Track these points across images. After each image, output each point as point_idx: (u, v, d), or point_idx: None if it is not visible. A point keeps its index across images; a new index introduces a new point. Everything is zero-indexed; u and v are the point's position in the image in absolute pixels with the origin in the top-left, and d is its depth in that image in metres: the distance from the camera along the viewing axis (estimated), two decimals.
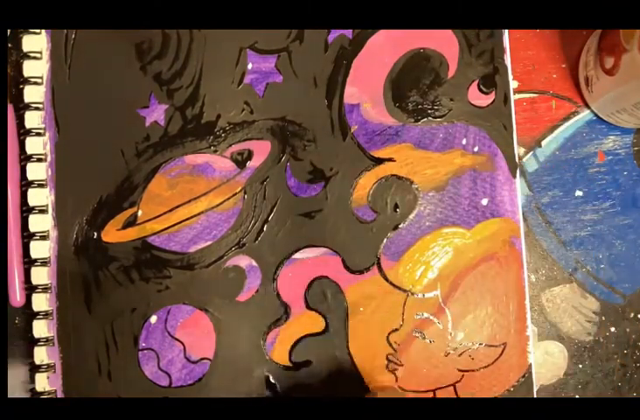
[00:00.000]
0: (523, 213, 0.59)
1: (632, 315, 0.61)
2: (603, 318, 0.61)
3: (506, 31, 0.59)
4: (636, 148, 0.62)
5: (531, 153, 0.62)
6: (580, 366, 0.61)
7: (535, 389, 0.57)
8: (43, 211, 0.56)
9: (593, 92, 0.60)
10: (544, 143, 0.62)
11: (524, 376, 0.57)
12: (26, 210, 0.56)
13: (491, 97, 0.58)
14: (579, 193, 0.61)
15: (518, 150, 0.61)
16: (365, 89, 0.58)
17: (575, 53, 0.62)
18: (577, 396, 0.60)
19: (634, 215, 0.61)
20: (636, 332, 0.61)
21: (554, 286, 0.61)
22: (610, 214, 0.61)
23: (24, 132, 0.56)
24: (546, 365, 0.60)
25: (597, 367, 0.61)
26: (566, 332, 0.61)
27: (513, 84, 0.60)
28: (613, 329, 0.61)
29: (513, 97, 0.60)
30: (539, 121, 0.62)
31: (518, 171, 0.58)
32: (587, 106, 0.62)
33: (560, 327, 0.61)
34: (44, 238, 0.56)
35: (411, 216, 0.57)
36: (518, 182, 0.58)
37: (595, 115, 0.62)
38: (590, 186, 0.61)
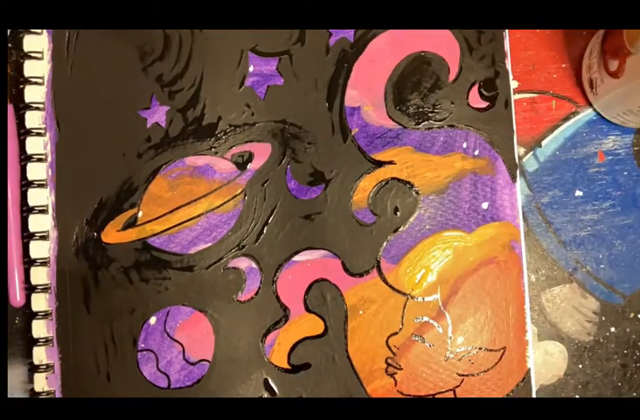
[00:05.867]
0: (523, 213, 0.60)
1: (632, 315, 0.61)
2: (603, 318, 0.61)
3: (507, 35, 0.59)
4: (636, 148, 0.62)
5: (531, 153, 0.62)
6: (580, 366, 0.61)
7: (535, 390, 0.57)
8: (43, 211, 0.56)
9: (597, 94, 0.60)
10: (544, 143, 0.62)
11: (523, 380, 0.57)
12: (26, 210, 0.56)
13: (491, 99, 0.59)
14: (579, 193, 0.61)
15: (518, 150, 0.61)
16: (366, 92, 0.58)
17: (576, 53, 0.62)
18: (577, 396, 0.60)
19: (634, 215, 0.61)
20: (636, 332, 0.61)
21: (554, 286, 0.61)
22: (610, 214, 0.61)
23: (24, 132, 0.56)
24: (546, 365, 0.61)
25: (597, 367, 0.61)
26: (567, 332, 0.61)
27: (513, 84, 0.60)
28: (613, 329, 0.61)
29: (513, 97, 0.60)
30: (539, 121, 0.62)
31: (518, 174, 0.58)
32: (593, 107, 0.62)
33: (560, 327, 0.61)
34: (44, 238, 0.56)
35: (411, 219, 0.57)
36: (519, 186, 0.58)
37: (600, 115, 0.62)
38: (590, 186, 0.61)
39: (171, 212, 0.56)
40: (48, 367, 0.55)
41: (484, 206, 0.57)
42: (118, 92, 0.57)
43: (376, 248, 0.57)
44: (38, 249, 0.56)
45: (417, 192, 0.57)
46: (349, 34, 0.58)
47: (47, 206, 0.56)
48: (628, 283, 0.61)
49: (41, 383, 0.55)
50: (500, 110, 0.58)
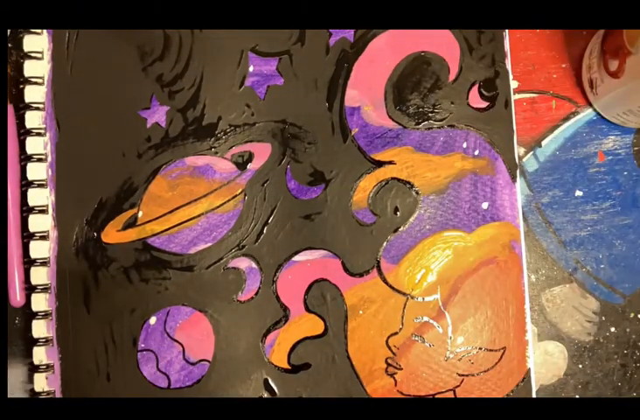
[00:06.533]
0: (523, 213, 0.60)
1: (632, 315, 0.61)
2: (603, 318, 0.61)
3: (507, 35, 0.59)
4: (636, 148, 0.62)
5: (531, 153, 0.62)
6: (580, 366, 0.61)
7: (535, 390, 0.57)
8: (43, 211, 0.56)
9: (597, 94, 0.60)
10: (544, 143, 0.62)
11: (523, 380, 0.57)
12: (26, 210, 0.56)
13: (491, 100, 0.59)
14: (579, 193, 0.61)
15: (518, 150, 0.61)
16: (366, 92, 0.58)
17: (576, 53, 0.62)
18: (577, 396, 0.60)
19: (634, 215, 0.61)
20: (636, 332, 0.61)
21: (554, 286, 0.61)
22: (610, 214, 0.61)
23: (24, 132, 0.56)
24: (546, 365, 0.61)
25: (597, 367, 0.61)
26: (567, 332, 0.61)
27: (513, 84, 0.60)
28: (613, 329, 0.61)
29: (513, 97, 0.60)
30: (539, 121, 0.62)
31: (518, 175, 0.58)
32: (593, 107, 0.62)
33: (560, 327, 0.61)
34: (44, 238, 0.56)
35: (411, 219, 0.57)
36: (519, 186, 0.58)
37: (600, 115, 0.62)
38: (590, 186, 0.61)
39: (171, 212, 0.56)
40: (48, 367, 0.55)
41: (484, 206, 0.57)
42: (118, 92, 0.57)
43: (376, 248, 0.57)
44: (38, 249, 0.56)
45: (417, 192, 0.57)
46: (349, 34, 0.58)
47: (47, 206, 0.56)
48: (628, 283, 0.61)
49: (41, 383, 0.55)
50: (500, 110, 0.58)
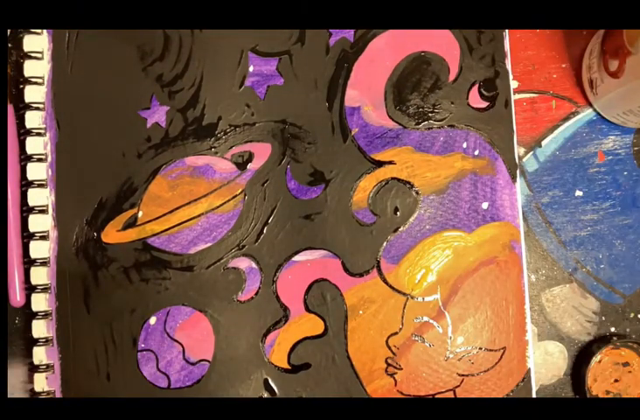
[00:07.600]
0: (523, 213, 0.59)
1: (632, 315, 0.61)
2: (603, 318, 0.61)
3: (507, 35, 0.59)
4: (636, 148, 0.62)
5: (531, 153, 0.62)
6: None
7: (535, 390, 0.57)
8: (43, 211, 0.56)
9: (597, 94, 0.60)
10: (544, 143, 0.62)
11: (523, 380, 0.57)
12: (26, 210, 0.56)
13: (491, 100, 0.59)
14: (579, 193, 0.61)
15: (518, 150, 0.61)
16: (366, 92, 0.58)
17: (576, 53, 0.62)
18: (577, 396, 0.60)
19: (634, 215, 0.61)
20: (636, 332, 0.61)
21: (554, 286, 0.61)
22: (610, 214, 0.61)
23: (24, 132, 0.56)
24: (546, 365, 0.61)
25: None
26: (567, 332, 0.61)
27: (513, 84, 0.60)
28: (613, 329, 0.61)
29: (513, 97, 0.59)
30: (539, 121, 0.62)
31: (518, 175, 0.58)
32: (593, 107, 0.62)
33: (560, 327, 0.61)
34: (44, 238, 0.56)
35: (411, 219, 0.57)
36: (519, 186, 0.58)
37: (600, 115, 0.62)
38: (590, 186, 0.61)
39: (171, 212, 0.56)
40: (48, 367, 0.55)
41: (484, 206, 0.57)
42: (118, 92, 0.57)
43: (376, 248, 0.57)
44: (38, 249, 0.56)
45: (417, 192, 0.57)
46: (349, 34, 0.58)
47: (47, 206, 0.56)
48: (628, 283, 0.61)
49: (41, 383, 0.55)
50: (500, 110, 0.58)
